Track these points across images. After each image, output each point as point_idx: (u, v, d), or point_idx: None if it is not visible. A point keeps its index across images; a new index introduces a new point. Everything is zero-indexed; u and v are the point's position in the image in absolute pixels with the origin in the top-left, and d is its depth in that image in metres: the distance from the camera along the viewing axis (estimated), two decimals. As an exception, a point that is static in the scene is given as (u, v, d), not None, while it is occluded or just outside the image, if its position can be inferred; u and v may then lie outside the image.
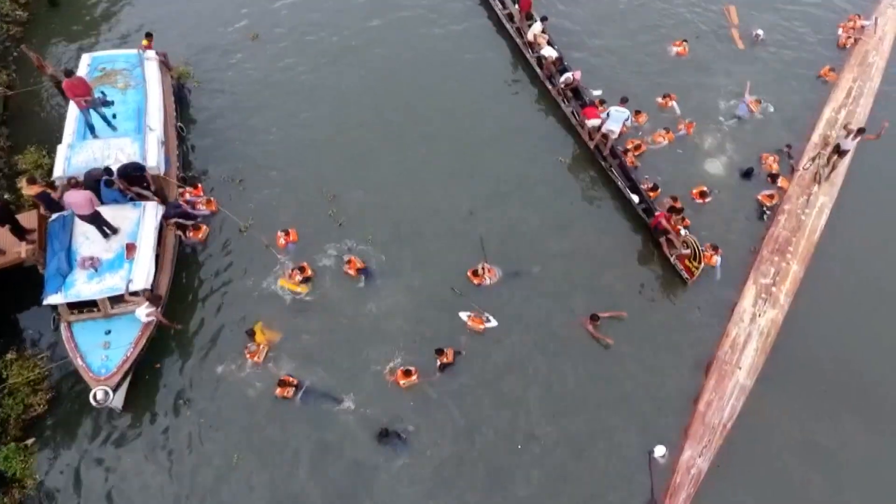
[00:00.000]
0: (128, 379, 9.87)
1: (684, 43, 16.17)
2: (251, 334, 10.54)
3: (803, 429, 10.23)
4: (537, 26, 15.47)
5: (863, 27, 16.90)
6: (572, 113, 14.27)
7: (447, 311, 11.18)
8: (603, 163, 13.46)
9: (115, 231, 10.62)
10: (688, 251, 11.55)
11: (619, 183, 13.04)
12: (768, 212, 12.95)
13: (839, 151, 12.79)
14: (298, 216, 12.38)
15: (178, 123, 13.46)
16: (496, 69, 15.67)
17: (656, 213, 12.15)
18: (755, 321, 11.13)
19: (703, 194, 12.83)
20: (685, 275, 11.63)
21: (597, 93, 14.71)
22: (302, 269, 11.37)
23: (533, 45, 15.48)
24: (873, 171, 13.91)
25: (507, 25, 16.26)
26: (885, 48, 16.71)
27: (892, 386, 10.76)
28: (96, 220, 10.33)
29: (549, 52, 14.95)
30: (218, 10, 16.36)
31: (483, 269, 11.53)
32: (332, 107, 14.48)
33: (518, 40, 15.88)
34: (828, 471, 9.85)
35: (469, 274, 11.57)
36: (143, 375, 10.33)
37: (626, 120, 13.19)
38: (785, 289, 11.62)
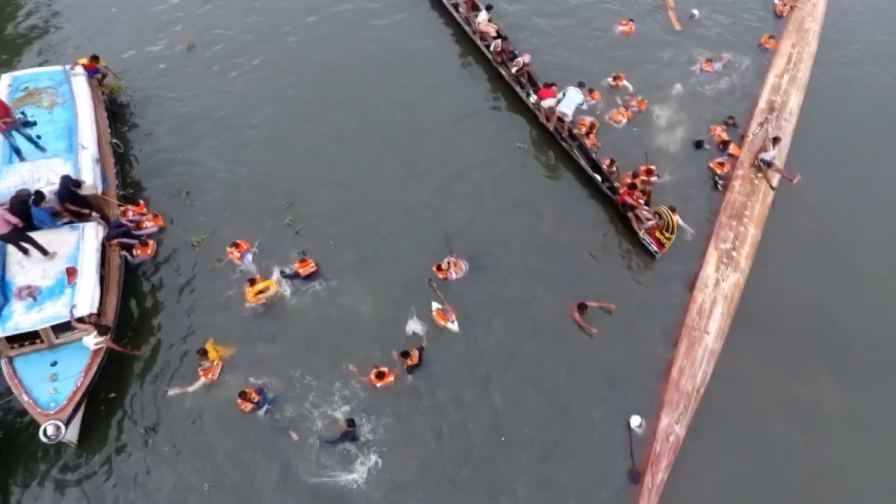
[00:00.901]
0: (80, 411, 9.56)
1: (630, 22, 16.79)
2: (203, 353, 10.40)
3: (777, 386, 10.76)
4: (483, 15, 15.81)
5: (797, -6, 17.92)
6: (527, 96, 14.59)
7: (412, 307, 11.22)
8: (564, 144, 13.82)
9: (45, 252, 10.28)
10: (659, 221, 12.04)
11: (582, 163, 13.43)
12: (721, 180, 13.56)
13: (768, 165, 13.36)
14: (253, 224, 12.22)
15: (114, 140, 13.14)
16: (447, 59, 15.88)
17: (620, 191, 12.56)
18: (719, 286, 11.66)
19: (650, 172, 13.30)
20: (654, 248, 12.08)
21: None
22: (252, 282, 11.24)
23: (482, 34, 15.79)
24: (819, 129, 14.79)
25: (455, 15, 16.53)
26: (819, 13, 17.78)
27: (857, 334, 11.45)
28: (19, 238, 9.98)
29: (496, 43, 15.28)
30: (148, 20, 16.03)
31: (448, 263, 11.65)
32: (277, 108, 14.39)
33: (467, 28, 16.17)
34: (806, 424, 10.38)
35: (434, 269, 11.69)
36: (97, 406, 10.03)
37: (582, 104, 13.62)
38: (745, 252, 12.22)
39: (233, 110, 14.24)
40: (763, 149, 13.59)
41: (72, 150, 11.65)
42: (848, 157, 14.29)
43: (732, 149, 14.11)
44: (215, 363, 10.44)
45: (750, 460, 9.94)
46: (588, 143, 13.82)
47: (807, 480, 9.85)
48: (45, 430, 8.95)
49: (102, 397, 10.15)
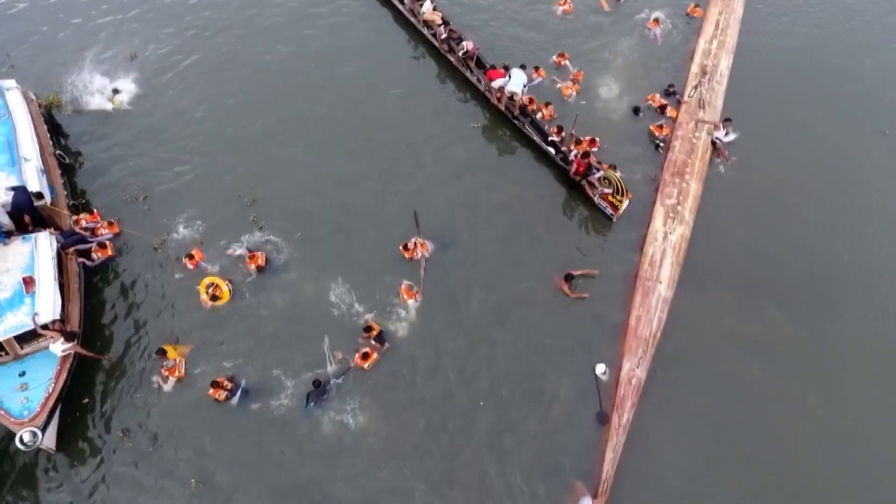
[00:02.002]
0: (55, 416, 9.90)
1: (568, 1, 17.99)
2: (161, 353, 10.91)
3: (728, 324, 12.02)
4: (427, 5, 16.74)
5: (719, -36, 19.51)
6: (478, 80, 15.57)
7: (375, 290, 12.03)
8: (516, 122, 14.89)
9: None
10: (609, 189, 13.21)
11: (535, 138, 14.50)
12: (661, 142, 14.89)
13: (716, 142, 14.77)
14: (217, 222, 12.74)
15: (57, 151, 13.38)
16: (395, 50, 16.75)
17: (573, 158, 13.66)
18: (667, 239, 12.91)
19: (592, 142, 14.47)
20: (610, 211, 13.25)
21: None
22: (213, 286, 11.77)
23: (428, 23, 16.70)
24: (749, 87, 16.32)
25: (400, 7, 17.38)
26: (742, -20, 19.44)
27: (797, 272, 12.84)
28: None
29: (439, 30, 16.25)
30: (84, 34, 16.25)
31: (415, 243, 12.45)
32: (226, 105, 14.91)
33: (413, 20, 17.06)
34: (759, 356, 11.64)
35: (401, 249, 12.47)
36: (71, 413, 10.38)
37: (527, 84, 14.65)
38: (688, 206, 13.53)
39: (181, 112, 14.69)
40: (716, 127, 14.92)
41: (14, 163, 11.91)
42: (777, 110, 15.83)
43: (670, 112, 15.47)
44: (178, 361, 10.97)
45: (710, 392, 11.14)
46: (546, 114, 14.99)
47: (764, 406, 11.10)
48: (21, 438, 9.28)
49: (76, 403, 10.49)
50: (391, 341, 11.37)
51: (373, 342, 11.18)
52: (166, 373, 10.87)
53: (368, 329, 11.19)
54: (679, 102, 15.83)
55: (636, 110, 15.44)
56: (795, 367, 11.61)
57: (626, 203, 13.21)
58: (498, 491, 10.02)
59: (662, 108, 15.48)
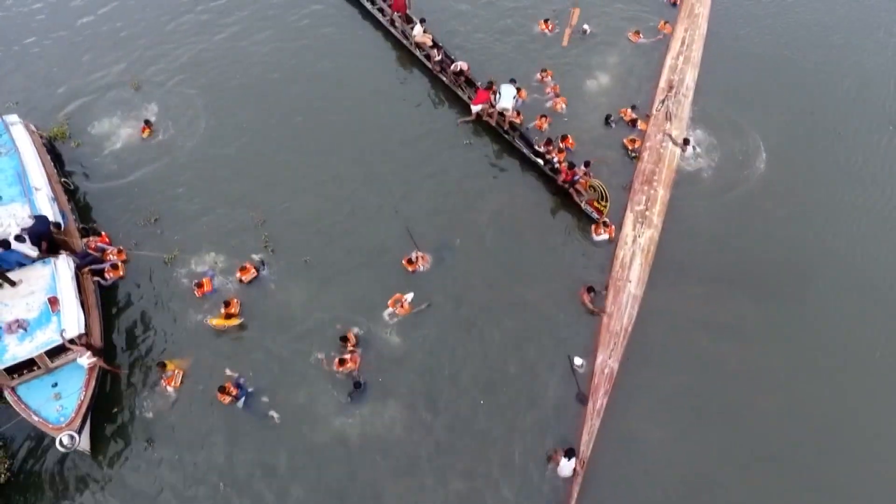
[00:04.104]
0: (88, 421, 11.80)
1: (546, 22, 20.54)
2: (162, 366, 12.82)
3: (699, 313, 14.28)
4: (418, 28, 19.14)
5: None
6: (469, 98, 17.97)
7: (373, 302, 14.10)
8: (506, 136, 17.31)
9: (13, 283, 12.47)
10: (593, 193, 15.65)
11: (525, 151, 16.91)
12: (634, 153, 17.38)
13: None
14: (226, 242, 14.78)
15: (63, 179, 15.36)
16: (390, 71, 19.10)
17: (560, 167, 16.06)
18: (637, 241, 15.30)
19: (564, 138, 17.04)
20: (596, 216, 15.59)
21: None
22: (228, 304, 13.66)
23: (419, 45, 19.11)
24: (712, 100, 18.92)
25: (392, 30, 19.81)
26: (707, -1, 22.28)
27: (761, 261, 15.20)
28: None
29: (432, 53, 18.70)
30: (86, 66, 18.34)
31: (417, 256, 14.58)
32: (233, 126, 17.03)
33: (405, 42, 19.47)
34: (731, 339, 13.88)
35: (404, 263, 14.60)
36: (101, 422, 12.30)
37: (516, 97, 17.08)
38: (656, 210, 15.97)
39: (183, 136, 16.79)
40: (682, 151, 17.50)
41: (25, 194, 13.91)
42: (739, 116, 18.38)
43: (641, 125, 18.00)
44: (175, 372, 12.93)
45: (681, 373, 13.38)
46: (538, 125, 17.55)
47: (734, 381, 13.34)
48: (61, 441, 11.18)
49: (102, 413, 12.39)
50: (388, 349, 13.43)
51: (349, 350, 13.13)
52: (165, 382, 12.78)
53: (344, 339, 13.19)
54: (647, 116, 18.38)
55: (606, 119, 17.98)
56: (764, 344, 13.89)
57: (605, 236, 15.47)
58: (495, 475, 12.13)
59: (633, 122, 18.01)
